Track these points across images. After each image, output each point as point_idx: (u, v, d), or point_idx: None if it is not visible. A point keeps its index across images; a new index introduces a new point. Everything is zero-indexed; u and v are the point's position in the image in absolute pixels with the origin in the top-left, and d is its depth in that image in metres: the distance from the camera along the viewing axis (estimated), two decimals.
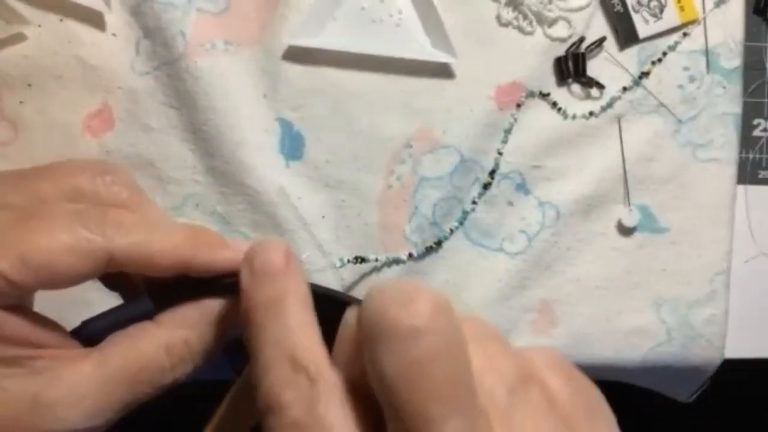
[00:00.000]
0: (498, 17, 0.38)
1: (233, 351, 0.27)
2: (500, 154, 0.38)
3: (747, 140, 0.42)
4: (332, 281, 0.36)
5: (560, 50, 0.39)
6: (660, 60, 0.39)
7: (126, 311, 0.23)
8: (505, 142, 0.38)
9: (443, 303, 0.16)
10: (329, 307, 0.25)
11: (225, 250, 0.23)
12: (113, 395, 0.20)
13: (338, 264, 0.34)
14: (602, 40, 0.39)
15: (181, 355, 0.22)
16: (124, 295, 0.27)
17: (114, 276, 0.25)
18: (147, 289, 0.24)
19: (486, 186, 0.38)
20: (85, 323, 0.23)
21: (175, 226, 0.23)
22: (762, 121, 0.42)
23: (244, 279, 0.20)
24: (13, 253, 0.19)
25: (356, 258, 0.36)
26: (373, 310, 0.16)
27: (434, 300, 0.16)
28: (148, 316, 0.23)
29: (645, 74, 0.39)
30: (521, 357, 0.19)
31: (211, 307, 0.23)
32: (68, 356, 0.21)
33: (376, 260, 0.37)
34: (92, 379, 0.20)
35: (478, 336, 0.18)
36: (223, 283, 0.23)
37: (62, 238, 0.20)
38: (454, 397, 0.15)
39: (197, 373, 0.23)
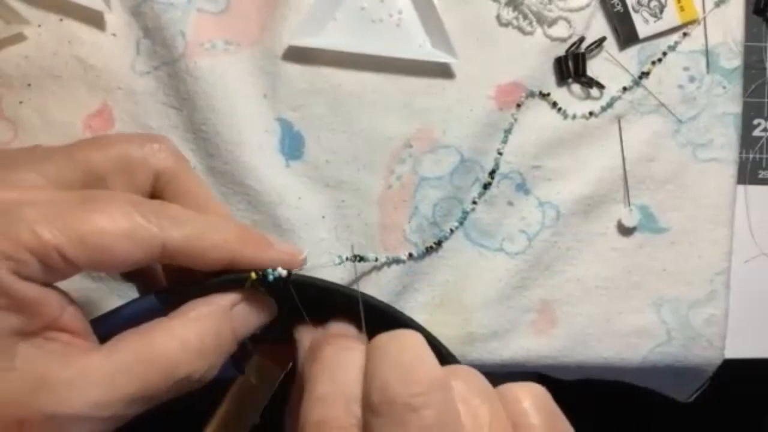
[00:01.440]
0: (498, 17, 0.38)
1: (237, 353, 0.27)
2: (500, 154, 0.38)
3: (747, 140, 0.42)
4: (331, 279, 0.36)
5: (560, 50, 0.39)
6: (660, 60, 0.39)
7: (133, 307, 0.23)
8: (505, 142, 0.38)
9: (440, 377, 0.19)
10: (333, 299, 0.25)
11: (271, 250, 0.24)
12: (122, 386, 0.20)
13: (336, 261, 0.34)
14: (602, 40, 0.39)
15: (196, 349, 0.22)
16: (140, 287, 0.27)
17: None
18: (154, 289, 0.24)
19: (486, 186, 0.38)
20: (92, 322, 0.23)
21: (224, 222, 0.24)
22: (762, 121, 0.42)
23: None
24: (74, 232, 0.20)
25: (355, 256, 0.36)
26: (377, 377, 0.19)
27: (431, 375, 0.19)
28: (161, 313, 0.23)
29: (645, 74, 0.39)
30: (508, 408, 0.20)
31: (223, 302, 0.23)
32: (82, 345, 0.21)
33: (376, 260, 0.37)
34: (101, 367, 0.20)
35: (468, 393, 0.20)
36: (228, 279, 0.24)
37: (121, 224, 0.20)
38: None
39: (215, 374, 0.23)
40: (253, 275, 0.23)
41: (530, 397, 0.21)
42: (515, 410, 0.20)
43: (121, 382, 0.20)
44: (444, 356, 0.27)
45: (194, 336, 0.22)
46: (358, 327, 0.26)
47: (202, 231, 0.22)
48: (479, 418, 0.19)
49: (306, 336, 0.25)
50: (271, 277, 0.23)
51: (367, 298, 0.26)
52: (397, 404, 0.18)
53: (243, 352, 0.28)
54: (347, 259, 0.35)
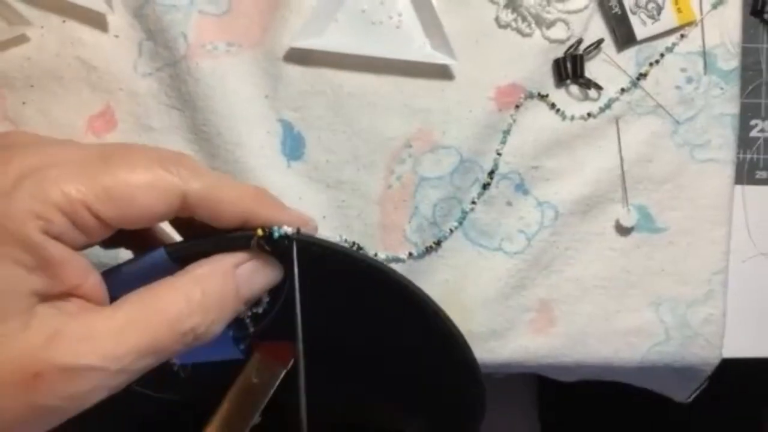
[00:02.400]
0: (497, 19, 0.38)
1: (239, 333, 0.28)
2: (499, 154, 0.39)
3: (744, 141, 0.42)
4: None
5: (559, 52, 0.39)
6: (657, 61, 0.40)
7: (143, 261, 0.24)
8: (504, 142, 0.39)
9: None
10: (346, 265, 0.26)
11: (285, 213, 0.25)
12: (131, 339, 0.21)
13: (337, 239, 0.34)
14: (600, 41, 0.39)
15: (199, 303, 0.22)
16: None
17: (135, 235, 0.25)
18: (165, 247, 0.24)
19: (485, 186, 0.38)
20: (104, 274, 0.23)
21: (241, 182, 0.24)
22: (759, 121, 0.42)
23: None
24: (99, 186, 0.20)
25: (354, 243, 0.36)
26: None
27: None
28: (171, 267, 0.24)
29: (643, 75, 0.40)
30: None
31: (227, 261, 0.24)
32: (95, 307, 0.22)
33: (375, 255, 0.37)
34: (110, 321, 0.21)
35: None
36: (235, 235, 0.24)
37: (144, 175, 0.21)
38: None
39: (219, 331, 0.23)
40: (260, 232, 0.24)
41: None
42: None
43: (129, 334, 0.21)
44: (454, 335, 0.27)
45: (197, 291, 0.22)
46: (359, 288, 0.26)
47: (220, 184, 0.23)
48: None
49: None
50: (276, 235, 0.24)
51: (371, 261, 0.26)
52: None
53: (243, 331, 0.28)
54: (346, 241, 0.35)
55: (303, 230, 0.25)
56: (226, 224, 0.24)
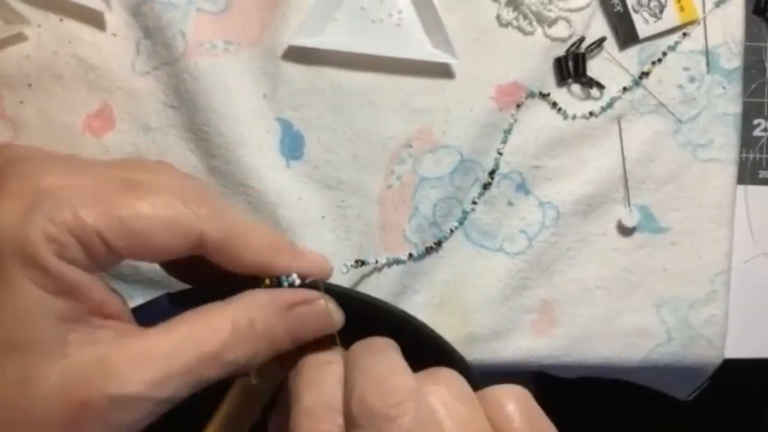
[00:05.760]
0: (498, 17, 0.38)
1: None
2: (500, 154, 0.38)
3: (747, 140, 0.42)
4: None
5: (560, 50, 0.39)
6: (660, 60, 0.39)
7: (146, 310, 0.23)
8: (505, 142, 0.38)
9: (412, 386, 0.20)
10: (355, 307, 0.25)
11: (302, 260, 0.24)
12: (179, 364, 0.20)
13: (344, 270, 0.34)
14: (602, 40, 0.39)
15: (246, 332, 0.22)
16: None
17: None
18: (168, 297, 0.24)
19: (486, 186, 0.38)
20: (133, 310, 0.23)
21: (260, 225, 0.24)
22: (762, 121, 0.42)
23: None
24: (114, 216, 0.20)
25: (357, 261, 0.36)
26: (355, 390, 0.20)
27: (404, 385, 0.20)
28: (174, 315, 0.23)
29: (645, 74, 0.39)
30: (490, 411, 0.21)
31: (284, 297, 0.23)
32: (133, 330, 0.21)
33: (376, 262, 0.37)
34: (158, 346, 0.20)
35: (447, 396, 0.20)
36: (242, 284, 0.23)
37: (161, 211, 0.21)
38: None
39: (261, 362, 0.23)
40: (267, 282, 0.23)
41: (513, 401, 0.21)
42: (498, 414, 0.21)
43: (177, 360, 0.20)
44: (447, 351, 0.27)
45: (246, 320, 0.22)
46: (376, 333, 0.26)
47: (240, 230, 0.22)
48: (458, 418, 0.20)
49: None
50: (285, 284, 0.23)
51: (384, 305, 0.26)
52: (376, 415, 0.19)
53: None
54: (352, 266, 0.35)
55: (324, 272, 0.24)
56: (240, 270, 0.23)
